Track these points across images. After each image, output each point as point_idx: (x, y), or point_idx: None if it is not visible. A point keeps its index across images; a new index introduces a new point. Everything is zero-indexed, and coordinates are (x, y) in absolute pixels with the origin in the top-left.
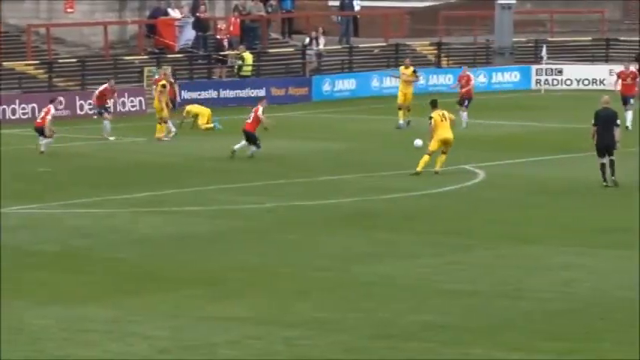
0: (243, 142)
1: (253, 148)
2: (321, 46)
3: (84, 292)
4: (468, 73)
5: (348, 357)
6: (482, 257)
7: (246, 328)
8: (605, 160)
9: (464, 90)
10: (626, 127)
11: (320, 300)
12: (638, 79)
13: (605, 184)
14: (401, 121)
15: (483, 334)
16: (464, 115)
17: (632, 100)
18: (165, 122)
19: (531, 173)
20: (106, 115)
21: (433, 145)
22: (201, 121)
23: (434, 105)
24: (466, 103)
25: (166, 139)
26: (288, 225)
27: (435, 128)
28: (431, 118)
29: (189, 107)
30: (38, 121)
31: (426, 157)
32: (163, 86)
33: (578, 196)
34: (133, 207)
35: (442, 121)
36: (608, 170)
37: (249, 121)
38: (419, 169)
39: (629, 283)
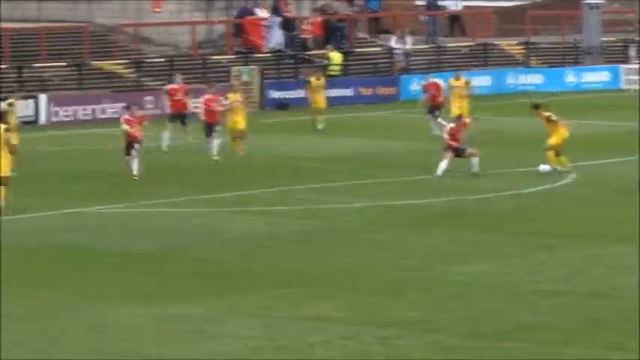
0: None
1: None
2: (408, 46)
3: (174, 292)
4: (435, 80)
5: (443, 356)
6: (572, 257)
7: (339, 328)
8: None
9: (439, 99)
10: None
11: (412, 300)
12: None
13: None
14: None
15: (578, 333)
16: (441, 121)
17: None
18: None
19: (621, 172)
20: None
21: (554, 141)
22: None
23: (537, 107)
24: (437, 112)
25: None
26: (378, 225)
27: (554, 128)
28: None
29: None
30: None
31: (549, 154)
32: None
33: None
34: (222, 207)
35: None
36: None
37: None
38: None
39: None
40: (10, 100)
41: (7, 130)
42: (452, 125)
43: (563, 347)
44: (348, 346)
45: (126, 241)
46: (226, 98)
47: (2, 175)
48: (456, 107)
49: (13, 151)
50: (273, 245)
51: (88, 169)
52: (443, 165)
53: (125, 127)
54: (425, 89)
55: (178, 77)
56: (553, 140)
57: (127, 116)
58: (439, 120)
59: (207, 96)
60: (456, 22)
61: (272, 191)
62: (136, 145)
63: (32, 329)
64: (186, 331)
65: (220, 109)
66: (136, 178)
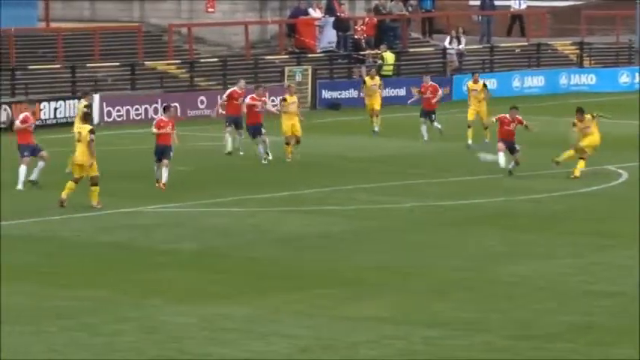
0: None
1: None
2: (462, 46)
3: (222, 291)
4: (432, 82)
5: (491, 357)
6: (623, 257)
7: (385, 327)
8: None
9: (433, 101)
10: None
11: (459, 300)
12: None
13: None
14: (469, 141)
15: (629, 334)
16: (436, 125)
17: None
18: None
19: None
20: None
21: (585, 143)
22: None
23: (581, 112)
24: (433, 117)
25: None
26: (427, 225)
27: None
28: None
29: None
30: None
31: (570, 152)
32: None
33: None
34: (273, 206)
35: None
36: None
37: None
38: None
39: None
40: (85, 103)
41: (91, 131)
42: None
43: (613, 348)
44: (394, 345)
45: (179, 240)
46: (284, 100)
47: (92, 174)
48: (473, 110)
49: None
50: (324, 244)
51: (142, 168)
52: (502, 159)
53: (154, 130)
54: (421, 92)
55: (242, 82)
56: (585, 142)
57: (162, 117)
58: (435, 124)
59: (250, 96)
60: (516, 22)
61: (323, 191)
62: (165, 161)
63: (83, 326)
64: (235, 330)
65: (271, 110)
66: (162, 187)
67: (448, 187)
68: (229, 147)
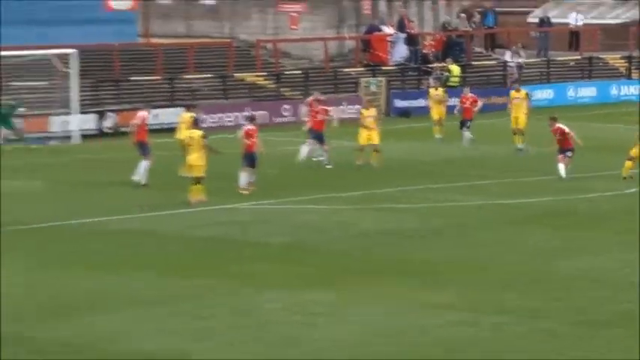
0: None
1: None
2: (521, 59)
3: (309, 280)
4: (471, 94)
5: (554, 343)
6: None
7: (456, 314)
8: None
9: (474, 110)
10: None
11: (522, 290)
12: None
13: None
14: (519, 145)
15: None
16: (466, 134)
17: None
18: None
19: None
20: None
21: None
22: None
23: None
24: (468, 124)
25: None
26: (492, 222)
27: None
28: None
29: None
30: (248, 143)
31: (629, 163)
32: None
33: None
34: (354, 204)
35: None
36: None
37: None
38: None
39: None
40: (192, 114)
41: (203, 136)
42: (567, 130)
43: None
44: (463, 331)
45: (270, 235)
46: (361, 114)
47: (199, 175)
48: (515, 119)
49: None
50: (399, 239)
51: (235, 170)
52: (561, 170)
53: (243, 139)
54: (461, 102)
55: (316, 94)
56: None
57: (249, 127)
58: (467, 133)
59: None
60: (574, 37)
61: (397, 190)
62: (253, 169)
63: (185, 311)
64: (319, 314)
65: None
66: (246, 192)
67: (510, 187)
68: (302, 157)
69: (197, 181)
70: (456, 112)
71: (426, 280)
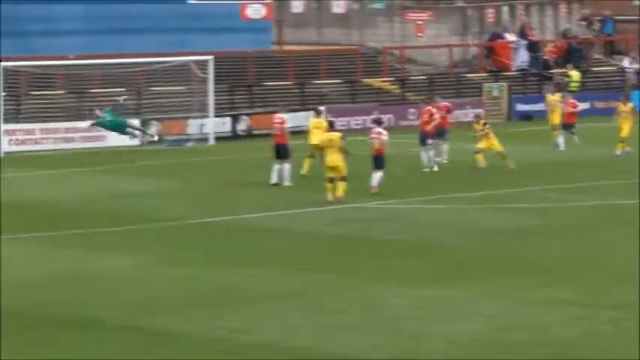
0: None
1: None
2: (639, 65)
3: (433, 276)
4: (572, 100)
5: None
6: None
7: (573, 309)
8: None
9: (572, 113)
10: None
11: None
12: None
13: None
14: (618, 152)
15: None
16: (574, 138)
17: None
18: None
19: None
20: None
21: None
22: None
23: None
24: (573, 129)
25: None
26: (609, 221)
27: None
28: None
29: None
30: (378, 148)
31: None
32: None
33: None
34: (475, 204)
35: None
36: None
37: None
38: None
39: None
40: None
41: (342, 137)
42: None
43: None
44: (580, 325)
45: (396, 233)
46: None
47: (343, 174)
48: (625, 130)
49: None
50: (518, 238)
51: (365, 171)
52: None
53: (382, 138)
54: (567, 105)
55: (438, 98)
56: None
57: (379, 130)
58: (560, 139)
59: (425, 109)
60: None
61: (517, 191)
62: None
63: (315, 306)
64: (443, 310)
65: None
66: (375, 191)
67: (625, 188)
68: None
69: (342, 179)
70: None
71: (544, 277)
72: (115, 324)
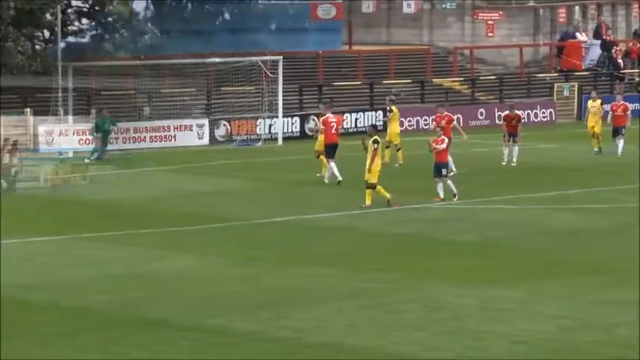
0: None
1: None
2: None
3: (498, 276)
4: (623, 102)
5: None
6: None
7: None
8: None
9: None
10: None
11: None
12: None
13: None
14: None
15: None
16: (620, 143)
17: None
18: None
19: None
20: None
21: None
22: None
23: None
24: (622, 132)
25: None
26: None
27: None
28: None
29: None
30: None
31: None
32: None
33: None
34: (543, 204)
35: None
36: None
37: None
38: None
39: None
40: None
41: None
42: None
43: None
44: None
45: (460, 232)
46: None
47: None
48: None
49: None
50: (586, 238)
51: (428, 170)
52: None
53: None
54: (612, 110)
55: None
56: None
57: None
58: (621, 142)
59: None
60: None
61: (588, 191)
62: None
63: (378, 304)
64: (508, 310)
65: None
66: (455, 196)
67: None
68: (505, 158)
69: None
70: (608, 120)
71: (612, 277)
72: (182, 323)
